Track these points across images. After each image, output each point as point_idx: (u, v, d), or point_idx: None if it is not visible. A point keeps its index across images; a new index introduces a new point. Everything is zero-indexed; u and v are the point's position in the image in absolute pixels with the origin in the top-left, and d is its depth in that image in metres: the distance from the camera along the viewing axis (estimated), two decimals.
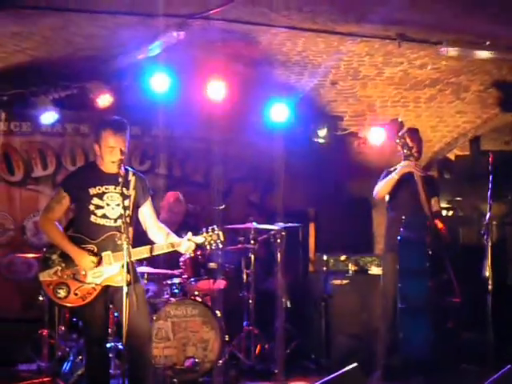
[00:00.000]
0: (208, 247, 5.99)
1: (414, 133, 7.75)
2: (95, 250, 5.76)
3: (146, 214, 6.05)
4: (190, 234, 5.93)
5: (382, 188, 7.63)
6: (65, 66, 8.06)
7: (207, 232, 5.93)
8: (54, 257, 5.77)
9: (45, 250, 5.92)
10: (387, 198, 7.74)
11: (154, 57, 7.67)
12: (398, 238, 7.31)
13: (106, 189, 5.82)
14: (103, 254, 5.75)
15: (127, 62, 7.99)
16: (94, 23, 7.12)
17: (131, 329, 5.47)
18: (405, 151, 7.51)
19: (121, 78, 8.28)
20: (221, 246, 5.98)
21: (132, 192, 5.86)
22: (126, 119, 5.95)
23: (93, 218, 5.78)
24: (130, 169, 5.98)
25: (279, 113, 8.99)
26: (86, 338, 5.99)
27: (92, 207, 5.78)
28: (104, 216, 5.79)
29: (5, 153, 9.15)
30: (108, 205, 5.81)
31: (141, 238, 6.06)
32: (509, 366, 5.37)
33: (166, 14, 6.88)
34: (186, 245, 5.88)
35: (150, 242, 5.99)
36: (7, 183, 9.19)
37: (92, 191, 5.80)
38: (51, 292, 5.75)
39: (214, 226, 5.96)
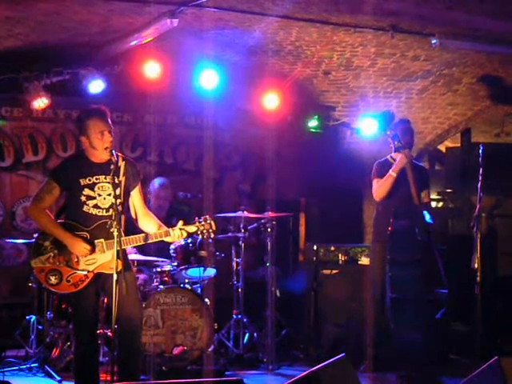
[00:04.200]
0: (200, 236, 6.03)
1: (405, 124, 7.77)
2: (88, 237, 5.74)
3: (136, 200, 6.03)
4: (180, 222, 5.95)
5: (382, 189, 7.55)
6: (57, 51, 8.04)
7: (200, 222, 5.93)
8: (47, 243, 5.75)
9: (36, 236, 5.89)
10: (375, 186, 7.70)
11: (146, 44, 7.66)
12: (389, 227, 7.32)
13: (96, 179, 5.80)
14: (96, 241, 5.74)
15: (120, 48, 7.98)
16: (88, 9, 7.10)
17: (121, 316, 5.48)
18: (396, 143, 7.52)
19: (113, 64, 8.25)
20: (213, 235, 6.00)
21: (122, 178, 5.78)
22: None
23: (85, 208, 5.76)
24: (119, 154, 5.92)
25: (271, 102, 8.98)
26: (76, 325, 6.00)
27: (83, 198, 5.76)
28: (96, 206, 5.77)
29: None
30: (99, 195, 5.78)
31: (133, 225, 6.06)
32: (496, 357, 5.40)
33: (160, 1, 6.87)
34: (177, 233, 5.89)
35: (141, 230, 5.99)
36: None
37: (83, 182, 5.78)
38: (43, 278, 5.73)
39: (207, 216, 5.97)
